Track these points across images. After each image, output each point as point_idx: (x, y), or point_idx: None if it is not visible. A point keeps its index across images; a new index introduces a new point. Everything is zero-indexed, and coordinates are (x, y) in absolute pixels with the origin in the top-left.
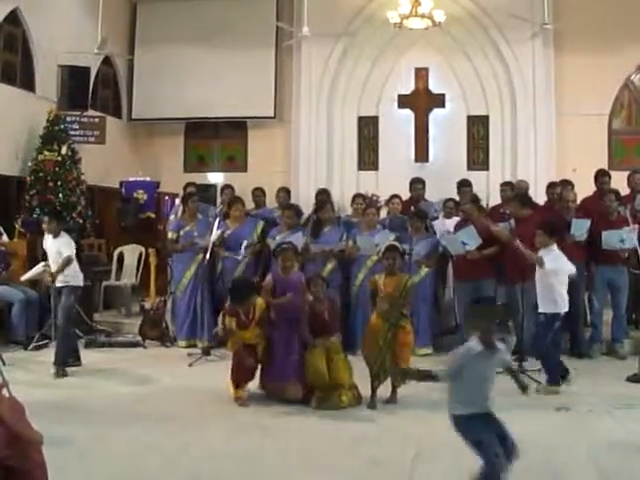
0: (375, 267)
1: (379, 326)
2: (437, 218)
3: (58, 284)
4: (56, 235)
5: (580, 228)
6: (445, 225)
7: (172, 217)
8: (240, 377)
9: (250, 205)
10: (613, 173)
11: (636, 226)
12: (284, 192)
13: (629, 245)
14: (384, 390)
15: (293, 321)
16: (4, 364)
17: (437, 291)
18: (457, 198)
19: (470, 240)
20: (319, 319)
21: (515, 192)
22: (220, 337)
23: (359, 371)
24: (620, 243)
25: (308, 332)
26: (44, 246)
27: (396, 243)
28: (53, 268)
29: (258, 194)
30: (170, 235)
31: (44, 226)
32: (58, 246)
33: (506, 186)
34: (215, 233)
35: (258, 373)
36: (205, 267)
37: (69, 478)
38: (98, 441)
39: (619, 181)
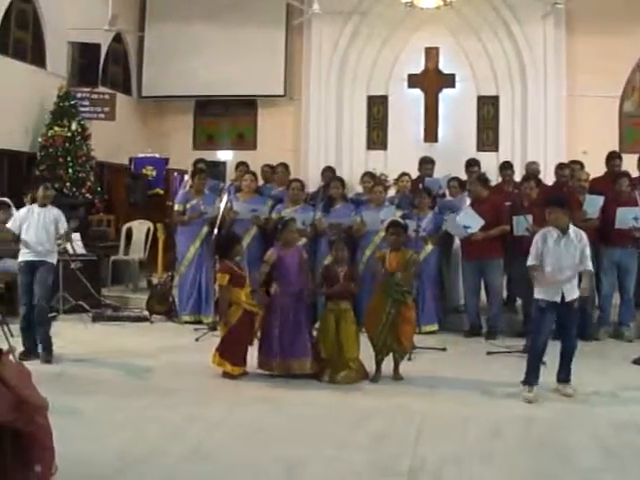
0: (382, 244)
1: (382, 302)
2: (444, 195)
3: (37, 257)
4: (45, 205)
5: (593, 205)
6: (453, 203)
7: (180, 192)
8: (240, 353)
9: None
10: (624, 156)
11: None
12: (282, 167)
13: None
14: (389, 367)
15: (297, 295)
16: (12, 335)
17: (441, 269)
18: (465, 178)
19: (471, 223)
20: (334, 281)
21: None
22: (221, 308)
23: (363, 347)
24: (634, 221)
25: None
26: (21, 216)
27: (399, 219)
28: (33, 238)
29: (267, 170)
30: (177, 207)
31: (42, 193)
32: (48, 216)
33: (507, 170)
34: (224, 203)
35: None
36: (211, 241)
37: (74, 445)
38: (103, 411)
39: (629, 164)
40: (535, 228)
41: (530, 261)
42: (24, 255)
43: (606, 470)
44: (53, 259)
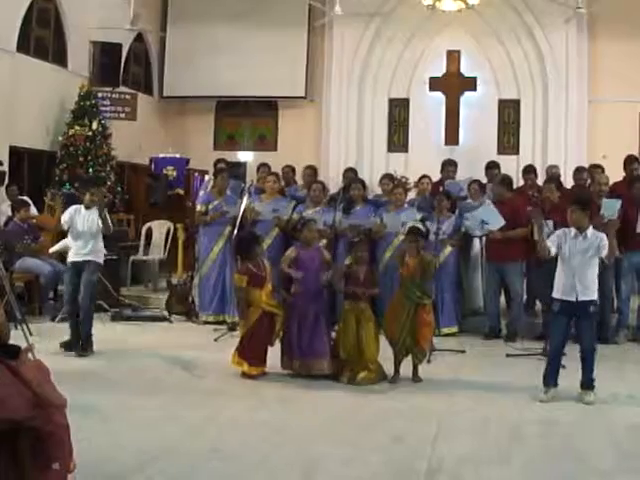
0: (400, 246)
1: (402, 303)
2: (465, 198)
3: (82, 258)
4: (89, 207)
5: (610, 208)
6: (473, 206)
7: (202, 192)
8: (258, 353)
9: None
10: None
11: None
12: (310, 170)
13: None
14: (408, 369)
15: (317, 294)
16: (31, 334)
17: (460, 271)
18: (485, 181)
19: (491, 219)
20: (353, 280)
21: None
22: (240, 309)
23: (382, 348)
24: None
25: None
26: (70, 214)
27: (418, 225)
28: (80, 237)
29: (287, 171)
30: (199, 207)
31: (88, 197)
32: (92, 217)
33: (529, 174)
34: (245, 203)
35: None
36: (233, 241)
37: (93, 443)
38: (122, 409)
39: None
40: None
41: (549, 242)
42: (71, 256)
43: (624, 472)
44: (99, 258)
